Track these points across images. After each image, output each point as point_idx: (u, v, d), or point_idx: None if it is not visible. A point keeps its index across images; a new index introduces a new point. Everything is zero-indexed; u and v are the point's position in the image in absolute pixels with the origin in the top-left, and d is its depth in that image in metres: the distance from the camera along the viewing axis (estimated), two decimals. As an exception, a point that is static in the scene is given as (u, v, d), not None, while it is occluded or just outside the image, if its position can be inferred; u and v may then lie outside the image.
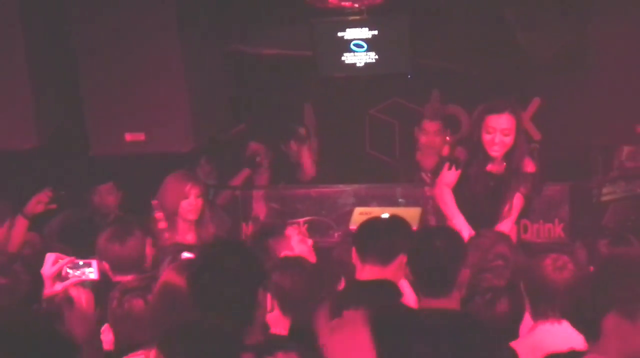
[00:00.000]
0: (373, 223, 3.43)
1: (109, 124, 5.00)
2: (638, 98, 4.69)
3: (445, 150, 5.51)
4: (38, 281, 2.84)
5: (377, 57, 5.71)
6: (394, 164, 6.49)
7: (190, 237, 4.49)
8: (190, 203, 4.53)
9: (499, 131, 4.43)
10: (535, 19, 5.21)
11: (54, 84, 4.98)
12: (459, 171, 4.56)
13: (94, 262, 3.09)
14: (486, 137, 4.47)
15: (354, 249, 3.34)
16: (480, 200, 4.56)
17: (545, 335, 3.08)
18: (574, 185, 5.26)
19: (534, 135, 6.40)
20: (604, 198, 5.22)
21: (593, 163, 5.89)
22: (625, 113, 4.74)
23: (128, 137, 4.97)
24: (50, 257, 3.06)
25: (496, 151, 4.48)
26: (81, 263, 3.05)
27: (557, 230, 5.15)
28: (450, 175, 4.60)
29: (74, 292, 2.87)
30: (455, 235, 3.08)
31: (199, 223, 4.56)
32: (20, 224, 4.38)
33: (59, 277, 3.04)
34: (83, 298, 2.82)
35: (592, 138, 5.10)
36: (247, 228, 5.67)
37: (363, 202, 5.63)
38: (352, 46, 5.75)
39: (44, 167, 5.33)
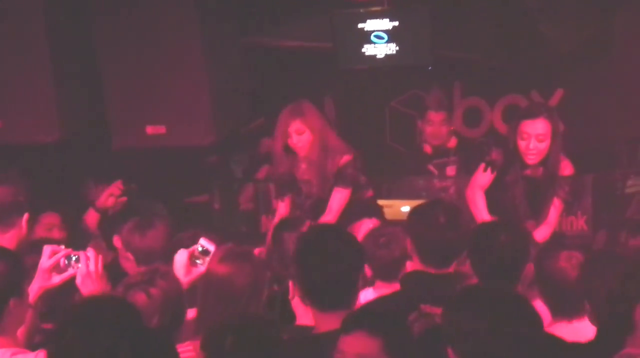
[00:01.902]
0: None
1: (130, 117, 5.03)
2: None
3: (453, 142, 5.49)
4: (15, 271, 2.76)
5: (397, 48, 5.67)
6: (414, 155, 6.46)
7: None
8: None
9: (533, 137, 4.35)
10: (558, 9, 5.15)
11: (76, 78, 5.01)
12: (494, 174, 4.49)
13: (82, 254, 3.07)
14: (521, 144, 4.39)
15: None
16: (517, 204, 4.50)
17: (565, 333, 3.05)
18: (597, 177, 5.21)
19: (556, 126, 6.33)
20: (629, 190, 5.16)
21: (617, 155, 5.82)
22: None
23: (149, 130, 4.99)
24: (47, 249, 3.05)
25: (532, 158, 4.40)
26: (77, 256, 3.04)
27: (580, 222, 5.10)
28: (484, 178, 4.53)
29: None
30: (518, 229, 3.06)
31: None
32: (92, 217, 4.40)
33: (57, 268, 3.04)
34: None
35: (616, 130, 5.04)
36: (268, 221, 5.67)
37: (384, 194, 5.62)
38: (372, 37, 5.70)
39: (66, 161, 5.35)
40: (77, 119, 5.01)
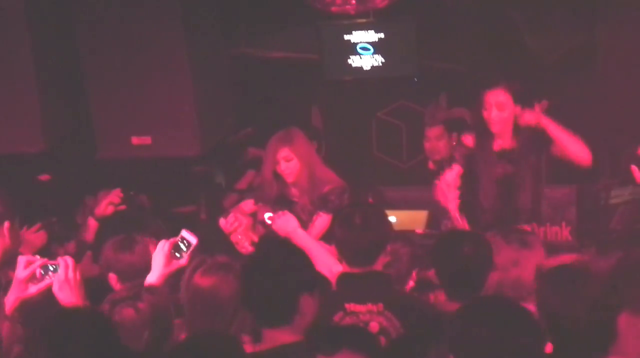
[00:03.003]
0: None
1: (115, 127, 5.01)
2: (646, 100, 4.67)
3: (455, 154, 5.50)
4: None
5: (383, 60, 5.70)
6: (403, 166, 6.49)
7: None
8: None
9: (494, 105, 4.40)
10: (542, 20, 5.19)
11: (60, 88, 5.00)
12: (460, 170, 4.50)
13: (61, 261, 3.05)
14: (485, 114, 4.44)
15: None
16: (502, 184, 4.49)
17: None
18: (581, 188, 5.23)
19: (542, 137, 6.36)
20: (612, 201, 5.18)
21: (601, 166, 5.85)
22: (633, 115, 4.71)
23: (135, 140, 4.98)
24: (22, 259, 3.03)
25: (495, 126, 4.41)
26: (53, 266, 3.03)
27: (564, 233, 5.11)
28: (450, 175, 4.53)
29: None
30: (482, 240, 3.11)
31: None
32: (91, 226, 4.37)
33: (33, 279, 3.02)
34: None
35: (600, 140, 5.07)
36: (254, 232, 5.66)
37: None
38: (358, 49, 5.73)
39: (50, 171, 5.33)
40: (61, 130, 5.00)
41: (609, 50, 4.79)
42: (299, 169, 4.49)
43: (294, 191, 4.58)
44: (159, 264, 3.20)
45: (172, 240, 3.26)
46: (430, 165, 5.81)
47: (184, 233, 3.26)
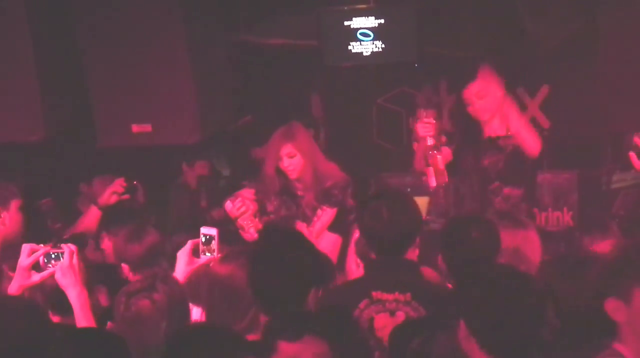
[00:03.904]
0: None
1: (115, 115, 5.00)
2: (647, 85, 4.65)
3: (443, 139, 5.50)
4: None
5: (383, 46, 5.68)
6: (401, 152, 6.47)
7: None
8: None
9: (474, 97, 4.39)
10: (544, 6, 5.16)
11: (60, 76, 4.98)
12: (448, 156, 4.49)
13: (65, 248, 3.05)
14: (470, 110, 4.43)
15: None
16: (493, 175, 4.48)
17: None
18: (582, 173, 5.23)
19: (543, 123, 6.35)
20: (614, 186, 5.18)
21: (602, 151, 5.85)
22: (634, 100, 4.70)
23: (135, 128, 4.97)
24: (25, 247, 3.03)
25: (482, 115, 4.40)
26: (56, 253, 3.03)
27: (565, 218, 5.12)
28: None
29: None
30: (489, 224, 3.11)
31: None
32: (93, 215, 4.36)
33: (36, 267, 3.03)
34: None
35: (601, 126, 5.06)
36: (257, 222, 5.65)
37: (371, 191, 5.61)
38: (358, 35, 5.71)
39: (51, 160, 5.33)
40: (62, 118, 4.98)
41: (610, 35, 4.77)
42: (302, 165, 4.47)
43: (297, 185, 4.57)
44: (181, 263, 3.22)
45: (194, 241, 3.26)
46: (415, 146, 5.78)
47: (203, 229, 3.26)
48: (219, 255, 3.17)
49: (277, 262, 2.71)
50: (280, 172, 4.53)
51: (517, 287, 2.29)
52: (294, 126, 4.56)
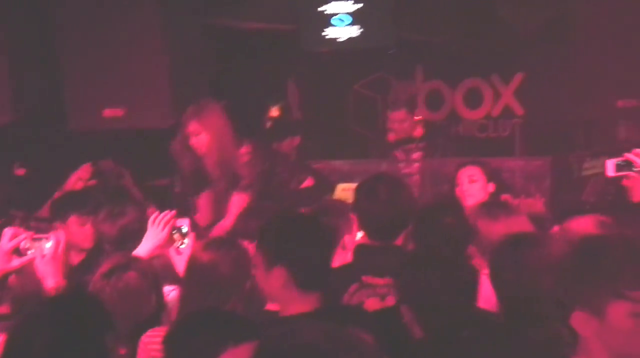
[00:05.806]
0: None
1: (87, 99, 4.96)
2: (620, 72, 4.67)
3: (418, 131, 5.53)
4: None
5: (360, 31, 5.66)
6: (377, 138, 6.47)
7: None
8: None
9: (466, 178, 4.43)
10: (518, -8, 5.17)
11: (31, 58, 4.93)
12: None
13: (53, 236, 3.04)
14: (457, 191, 4.43)
15: None
16: None
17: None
18: (555, 160, 5.25)
19: (516, 110, 6.37)
20: (585, 173, 5.21)
21: (574, 137, 5.88)
22: (608, 88, 4.72)
23: (107, 112, 4.93)
24: (8, 231, 3.00)
25: (469, 200, 4.35)
26: (39, 238, 3.00)
27: (538, 204, 5.14)
28: None
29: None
30: (463, 210, 3.12)
31: None
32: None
33: (17, 252, 2.99)
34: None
35: (575, 113, 5.08)
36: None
37: (346, 178, 5.60)
38: (334, 20, 5.69)
39: (19, 142, 5.25)
40: (31, 100, 4.92)
41: (585, 22, 4.78)
42: (207, 142, 4.47)
43: (209, 167, 4.54)
44: (150, 239, 3.23)
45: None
46: (390, 137, 5.79)
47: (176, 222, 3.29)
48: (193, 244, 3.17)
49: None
50: (188, 148, 4.53)
51: (453, 269, 2.56)
52: (203, 103, 4.57)
